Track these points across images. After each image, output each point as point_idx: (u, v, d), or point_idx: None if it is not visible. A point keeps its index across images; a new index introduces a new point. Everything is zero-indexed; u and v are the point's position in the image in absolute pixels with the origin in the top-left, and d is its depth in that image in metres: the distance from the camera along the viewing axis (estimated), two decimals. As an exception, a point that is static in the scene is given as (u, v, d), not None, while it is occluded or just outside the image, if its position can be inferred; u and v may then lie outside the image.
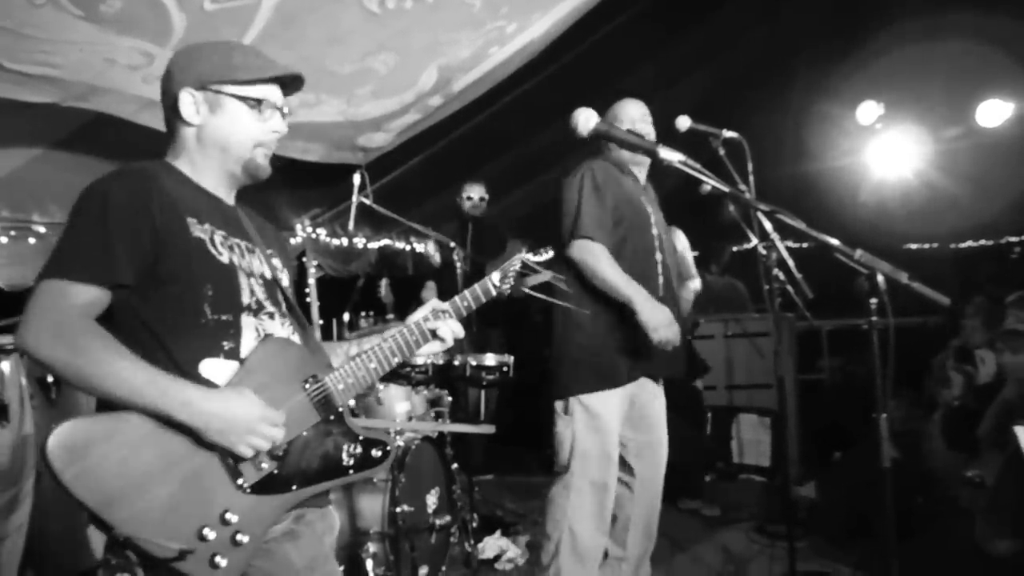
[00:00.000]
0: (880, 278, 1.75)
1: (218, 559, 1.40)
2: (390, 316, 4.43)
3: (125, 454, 1.36)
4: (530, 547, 3.78)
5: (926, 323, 4.80)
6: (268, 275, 1.67)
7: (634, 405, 2.76)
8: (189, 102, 1.59)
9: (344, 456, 1.61)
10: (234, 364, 1.51)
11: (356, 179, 3.68)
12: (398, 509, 2.96)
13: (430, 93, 4.16)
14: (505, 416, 4.89)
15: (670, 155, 1.91)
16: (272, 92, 1.65)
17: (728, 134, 2.61)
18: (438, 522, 3.22)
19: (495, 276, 1.84)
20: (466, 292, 1.80)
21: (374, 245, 6.45)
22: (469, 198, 4.92)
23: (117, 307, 1.46)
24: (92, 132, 3.64)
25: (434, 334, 1.76)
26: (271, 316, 1.61)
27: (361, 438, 1.64)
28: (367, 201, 3.70)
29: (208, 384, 1.46)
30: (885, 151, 5.51)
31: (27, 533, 2.68)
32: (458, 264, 4.18)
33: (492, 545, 3.76)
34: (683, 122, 2.70)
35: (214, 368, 1.49)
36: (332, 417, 1.61)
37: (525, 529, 4.07)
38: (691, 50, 5.34)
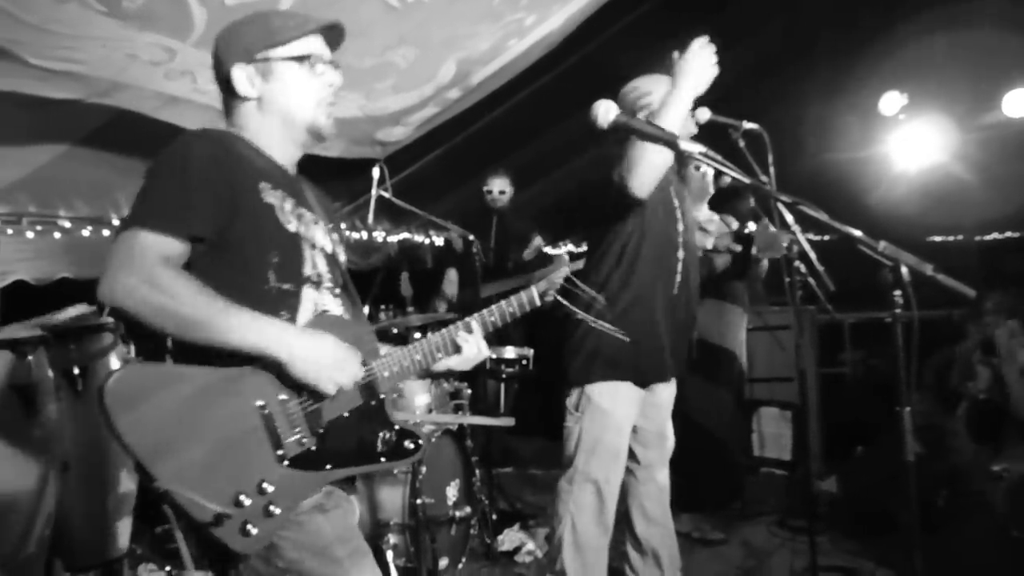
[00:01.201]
0: (904, 270, 1.73)
1: (249, 527, 1.40)
2: (410, 309, 4.45)
3: (178, 407, 1.37)
4: (549, 540, 3.78)
5: (951, 316, 4.74)
6: (329, 249, 1.68)
7: (649, 393, 2.75)
8: (242, 77, 1.61)
9: (379, 443, 1.63)
10: None
11: (375, 173, 3.69)
12: (418, 501, 2.98)
13: (449, 86, 4.16)
14: (525, 409, 4.90)
15: (691, 147, 1.90)
16: (317, 45, 1.67)
17: (748, 125, 2.58)
18: (458, 514, 3.23)
19: (540, 287, 1.87)
20: (499, 304, 1.82)
21: (393, 239, 6.47)
22: (489, 191, 4.92)
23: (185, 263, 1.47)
24: (115, 129, 3.68)
25: (456, 348, 1.77)
26: (330, 291, 1.63)
27: (396, 428, 1.65)
28: (386, 195, 3.71)
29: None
30: (909, 142, 5.43)
31: (53, 523, 2.72)
32: (477, 256, 4.18)
33: (511, 537, 3.78)
34: (703, 114, 2.67)
35: None
36: (373, 403, 1.63)
37: (544, 522, 4.07)
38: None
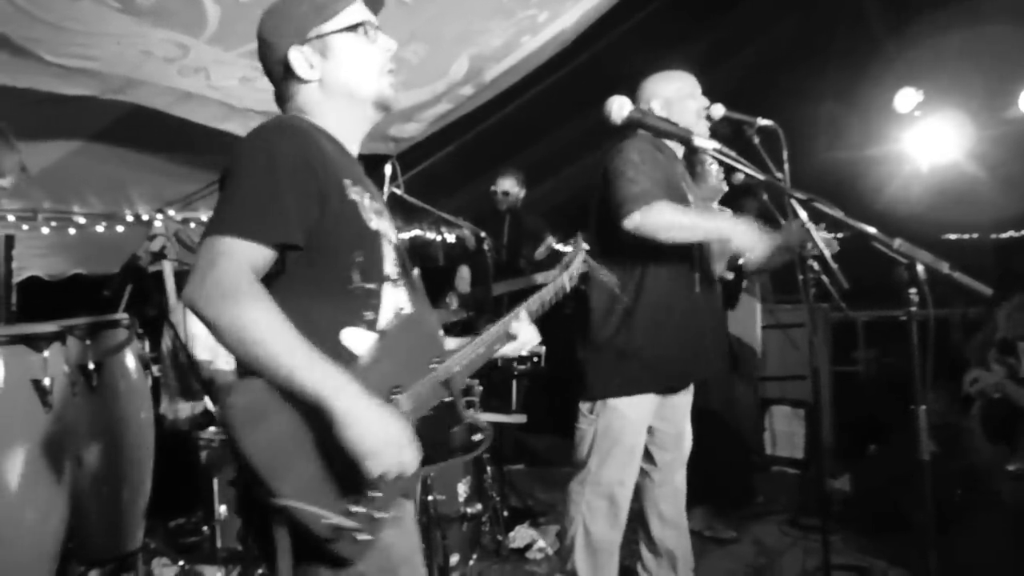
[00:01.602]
0: (920, 268, 1.72)
1: (358, 535, 1.38)
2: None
3: (298, 421, 1.33)
4: (560, 537, 3.78)
5: (966, 314, 4.71)
6: (395, 240, 1.61)
7: (665, 397, 2.73)
8: (300, 59, 1.53)
9: (453, 438, 1.61)
10: (372, 336, 1.47)
11: (388, 169, 3.68)
12: (430, 497, 2.98)
13: (461, 83, 4.16)
14: (536, 406, 4.90)
15: (705, 143, 1.89)
16: (365, 12, 1.59)
17: (763, 122, 2.56)
18: (469, 511, 3.24)
19: (569, 274, 1.91)
20: (539, 294, 1.85)
21: (405, 235, 6.48)
22: (505, 192, 4.88)
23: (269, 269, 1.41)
24: (128, 125, 3.71)
25: (511, 337, 1.77)
26: (402, 288, 1.58)
27: (466, 421, 1.63)
28: (398, 191, 3.71)
29: (348, 353, 1.42)
30: (924, 139, 5.39)
31: (67, 518, 2.74)
32: (490, 253, 4.18)
33: (522, 535, 3.78)
34: (717, 110, 2.66)
35: (355, 337, 1.45)
36: (448, 399, 1.60)
37: (555, 519, 4.07)
38: (725, 37, 5.27)
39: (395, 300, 1.53)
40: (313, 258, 1.42)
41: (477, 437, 1.64)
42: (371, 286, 1.48)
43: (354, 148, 1.62)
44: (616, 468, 2.63)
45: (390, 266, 1.54)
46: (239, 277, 1.31)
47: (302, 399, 1.31)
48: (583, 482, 2.66)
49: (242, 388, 1.31)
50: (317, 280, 1.43)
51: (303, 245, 1.40)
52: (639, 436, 2.66)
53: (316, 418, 1.32)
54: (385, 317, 1.50)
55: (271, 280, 1.39)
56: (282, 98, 1.60)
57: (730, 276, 3.80)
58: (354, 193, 1.49)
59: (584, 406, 2.69)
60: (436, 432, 1.56)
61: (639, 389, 2.61)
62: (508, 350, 1.79)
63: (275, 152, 1.40)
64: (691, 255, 2.66)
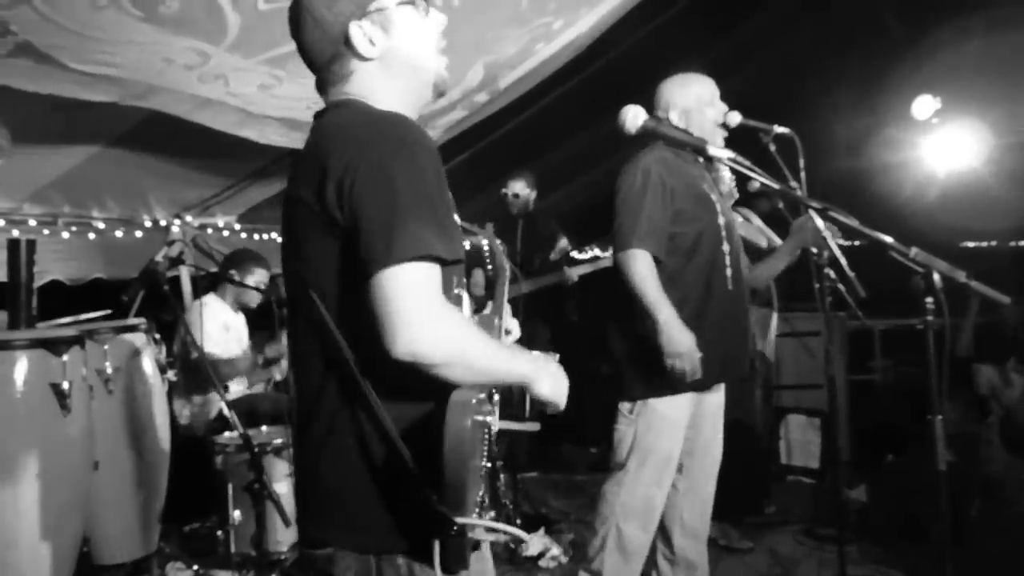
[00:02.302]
0: (936, 277, 1.71)
1: (480, 544, 1.37)
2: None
3: (464, 435, 1.24)
4: (574, 545, 3.78)
5: (985, 323, 4.67)
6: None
7: (700, 402, 2.71)
8: (360, 35, 1.39)
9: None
10: None
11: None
12: (443, 503, 2.98)
13: (476, 90, 4.17)
14: (549, 414, 4.89)
15: (720, 152, 1.89)
16: None
17: (779, 129, 2.56)
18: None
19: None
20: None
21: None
22: (516, 195, 4.88)
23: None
24: (147, 130, 3.74)
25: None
26: (463, 286, 1.51)
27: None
28: (414, 198, 3.72)
29: None
30: (942, 147, 5.36)
31: (84, 521, 2.76)
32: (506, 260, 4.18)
33: (536, 543, 3.77)
34: (733, 118, 2.66)
35: None
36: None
37: (569, 527, 4.06)
38: (741, 43, 5.27)
39: (468, 303, 1.52)
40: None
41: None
42: (458, 292, 1.42)
43: None
44: (654, 470, 2.63)
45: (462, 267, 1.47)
46: (441, 303, 1.24)
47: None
48: (620, 483, 2.66)
49: (464, 405, 1.23)
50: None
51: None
52: (678, 438, 2.65)
53: (473, 428, 1.26)
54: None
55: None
56: (330, 82, 1.45)
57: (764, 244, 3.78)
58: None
59: (624, 407, 2.68)
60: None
61: (678, 389, 2.60)
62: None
63: (417, 155, 1.28)
64: (721, 256, 2.67)
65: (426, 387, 1.26)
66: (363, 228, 1.23)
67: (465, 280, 1.50)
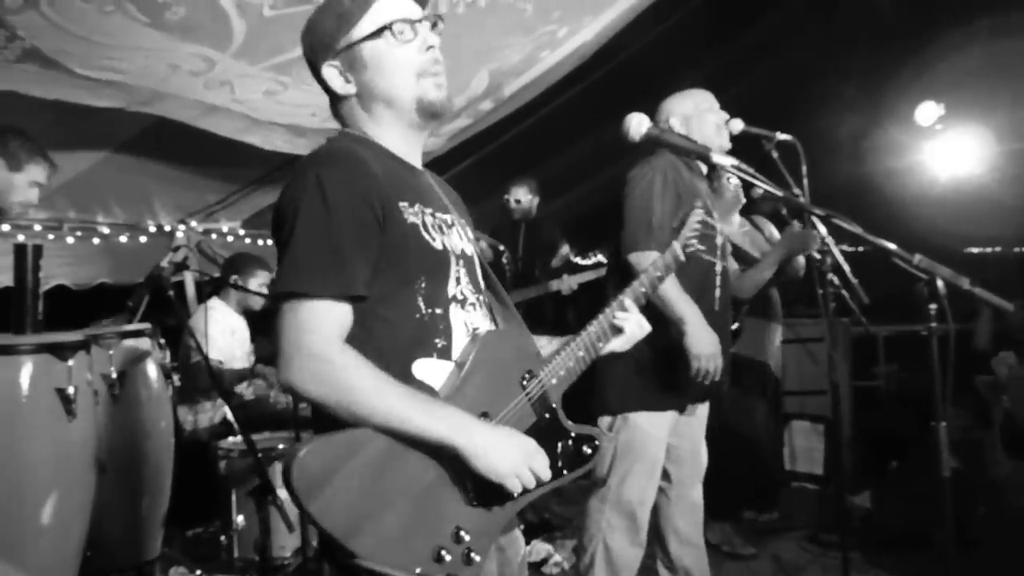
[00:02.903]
0: (940, 283, 1.71)
1: None
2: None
3: (365, 479, 1.26)
4: (576, 552, 3.77)
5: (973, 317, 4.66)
6: (468, 251, 1.52)
7: (682, 413, 2.71)
8: (334, 74, 1.45)
9: (559, 456, 1.47)
10: (447, 364, 1.39)
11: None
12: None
13: (481, 97, 4.18)
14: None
15: (723, 160, 1.90)
16: (396, 8, 1.44)
17: (782, 136, 2.57)
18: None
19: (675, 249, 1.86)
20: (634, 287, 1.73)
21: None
22: (518, 201, 4.89)
23: None
24: (153, 136, 3.76)
25: (617, 330, 1.65)
26: (473, 305, 1.47)
27: (573, 434, 1.51)
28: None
29: (423, 386, 1.35)
30: (946, 153, 5.36)
31: (88, 525, 2.76)
32: (507, 266, 4.19)
33: (538, 549, 3.77)
34: (736, 125, 2.66)
35: (428, 369, 1.37)
36: (547, 415, 1.48)
37: (572, 533, 4.06)
38: (743, 51, 5.27)
39: (467, 321, 1.44)
40: (379, 292, 1.34)
41: (587, 449, 1.52)
42: (438, 311, 1.39)
43: (415, 158, 1.53)
44: (637, 485, 2.62)
45: (454, 287, 1.44)
46: (328, 347, 1.27)
47: (424, 445, 1.29)
48: (603, 499, 2.65)
49: (300, 460, 1.22)
50: (384, 314, 1.35)
51: (367, 295, 1.33)
52: (659, 452, 2.65)
53: (388, 465, 1.28)
54: (458, 341, 1.41)
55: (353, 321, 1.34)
56: (335, 115, 1.53)
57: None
58: (411, 215, 1.39)
59: (604, 421, 2.67)
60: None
61: (660, 406, 2.60)
62: (616, 345, 1.67)
63: (327, 197, 1.30)
64: (712, 276, 2.66)
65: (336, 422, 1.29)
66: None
67: (462, 297, 1.46)
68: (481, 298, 1.52)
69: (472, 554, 1.33)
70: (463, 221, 1.57)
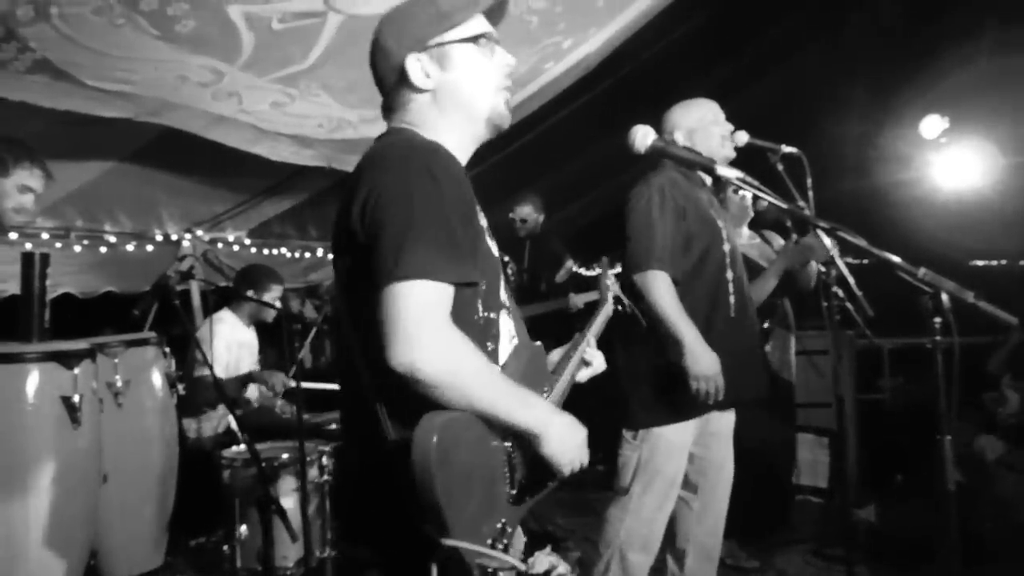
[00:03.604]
0: (944, 297, 1.71)
1: (500, 574, 1.34)
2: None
3: (473, 462, 1.30)
4: (580, 564, 3.76)
5: (994, 342, 4.65)
6: (500, 258, 1.55)
7: (707, 422, 2.70)
8: (417, 67, 1.46)
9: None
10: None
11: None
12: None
13: (486, 108, 4.20)
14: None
15: (728, 172, 1.90)
16: (486, 23, 1.52)
17: (787, 149, 2.57)
18: (490, 535, 3.22)
19: (611, 296, 1.95)
20: (596, 319, 1.88)
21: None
22: (523, 220, 4.90)
23: None
24: (160, 146, 3.78)
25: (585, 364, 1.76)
26: (510, 312, 1.52)
27: None
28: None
29: None
30: (950, 166, 5.36)
31: (93, 534, 2.77)
32: (512, 278, 4.20)
33: (542, 560, 3.73)
34: (741, 137, 2.67)
35: None
36: None
37: (576, 545, 4.05)
38: (748, 63, 5.29)
39: (509, 329, 1.49)
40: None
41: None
42: (492, 315, 1.43)
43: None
44: (658, 495, 2.63)
45: (504, 293, 1.49)
46: (445, 325, 1.27)
47: (503, 435, 1.36)
48: (624, 509, 2.65)
49: (434, 424, 1.22)
50: (455, 313, 1.33)
51: (479, 283, 1.36)
52: (682, 461, 2.65)
53: (477, 451, 1.32)
54: (504, 348, 1.46)
55: None
56: (391, 107, 1.53)
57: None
58: (482, 218, 1.44)
59: (627, 433, 2.68)
60: (536, 460, 1.47)
61: (682, 416, 2.60)
62: (583, 376, 1.76)
63: (438, 182, 1.31)
64: (724, 283, 2.67)
65: (427, 407, 1.27)
66: (377, 245, 1.29)
67: (507, 304, 1.51)
68: (514, 309, 1.56)
69: (509, 548, 1.38)
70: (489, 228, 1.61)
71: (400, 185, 1.31)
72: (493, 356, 1.42)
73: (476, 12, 1.50)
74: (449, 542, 1.23)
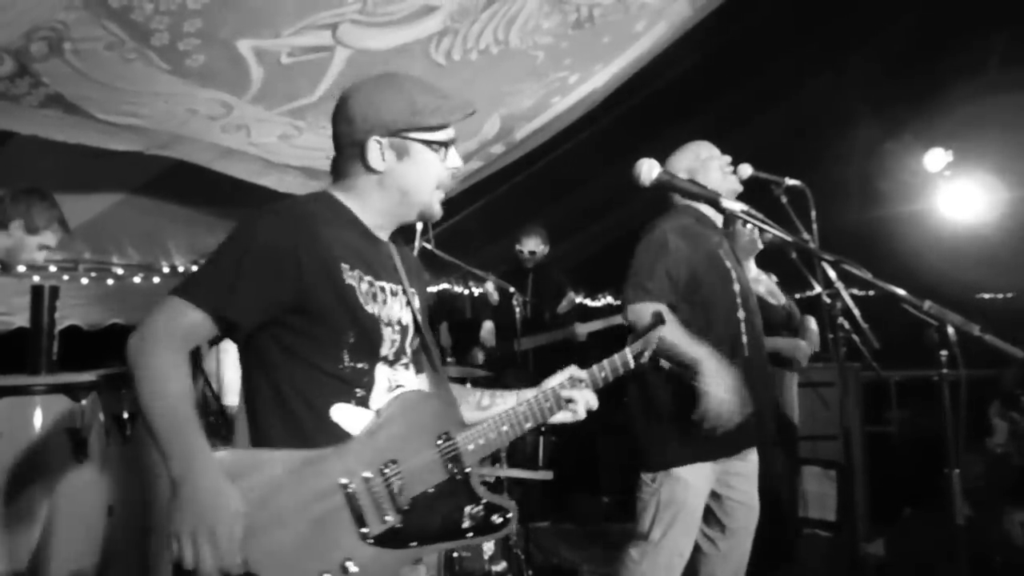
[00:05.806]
0: (951, 330, 1.71)
1: None
2: (449, 359, 4.47)
3: (268, 491, 1.40)
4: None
5: (1001, 375, 4.63)
6: (406, 320, 1.64)
7: (728, 462, 2.66)
8: (376, 151, 1.55)
9: (465, 519, 1.58)
10: (365, 412, 1.52)
11: (419, 225, 3.74)
12: (455, 554, 2.96)
13: (493, 141, 4.24)
14: (563, 463, 4.85)
15: (732, 205, 1.92)
16: (451, 132, 1.63)
17: (791, 182, 2.58)
18: (494, 568, 3.19)
19: (634, 349, 1.86)
20: (605, 363, 1.82)
21: (433, 289, 6.53)
22: (532, 252, 4.91)
23: (262, 340, 1.50)
24: (170, 179, 3.82)
25: (568, 402, 1.76)
26: (405, 366, 1.62)
27: (484, 501, 1.60)
28: (428, 246, 3.76)
29: (337, 428, 1.49)
30: (955, 199, 5.38)
31: (98, 566, 2.75)
32: (516, 308, 4.20)
33: (548, 593, 3.71)
34: (745, 170, 2.68)
35: (344, 414, 1.50)
36: (459, 477, 1.58)
37: (584, 578, 4.01)
38: (752, 97, 5.34)
39: (392, 378, 1.57)
40: (310, 335, 1.49)
41: (498, 519, 1.61)
42: (362, 365, 1.52)
43: (384, 233, 1.66)
44: (677, 537, 2.58)
45: (387, 348, 1.57)
46: (168, 332, 1.43)
47: (329, 477, 1.44)
48: (643, 552, 2.60)
49: (219, 456, 1.40)
50: (311, 356, 1.49)
51: (248, 329, 1.48)
52: (700, 503, 2.61)
53: (290, 487, 1.41)
54: (378, 394, 1.54)
55: (271, 354, 1.50)
56: (338, 172, 1.63)
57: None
58: (350, 278, 1.52)
59: (646, 476, 2.64)
60: (438, 511, 1.54)
61: (699, 457, 2.56)
62: (562, 418, 1.77)
63: (253, 237, 1.48)
64: (736, 323, 2.65)
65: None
66: None
67: (392, 359, 1.59)
68: (415, 362, 1.65)
69: None
70: (413, 291, 1.68)
71: (232, 230, 1.52)
72: (363, 401, 1.52)
73: (445, 123, 1.60)
74: (247, 569, 1.37)
